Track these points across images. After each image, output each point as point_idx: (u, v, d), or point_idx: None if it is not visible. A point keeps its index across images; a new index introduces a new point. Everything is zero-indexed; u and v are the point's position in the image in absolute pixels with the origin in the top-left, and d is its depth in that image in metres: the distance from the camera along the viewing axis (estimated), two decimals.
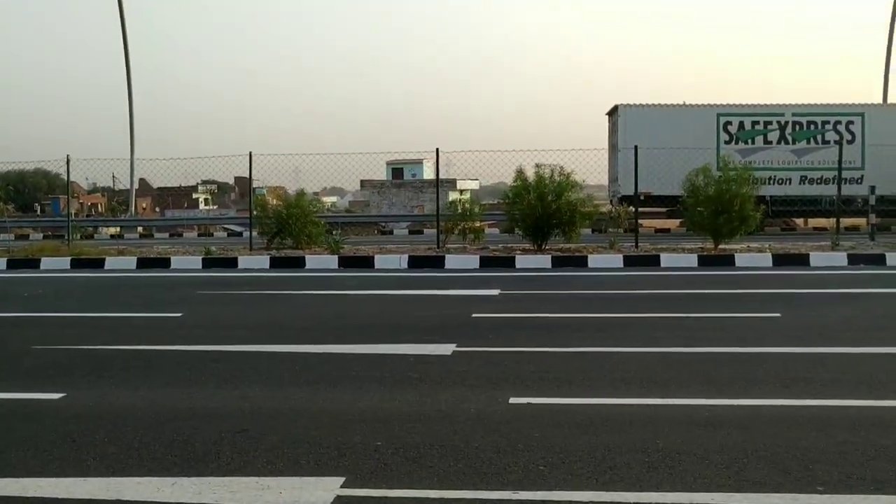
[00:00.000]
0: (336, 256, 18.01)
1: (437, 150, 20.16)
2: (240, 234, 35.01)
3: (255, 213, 21.90)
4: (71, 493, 4.58)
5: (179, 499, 4.49)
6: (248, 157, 21.21)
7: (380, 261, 17.57)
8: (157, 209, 61.49)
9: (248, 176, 22.52)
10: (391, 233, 35.29)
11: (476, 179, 42.51)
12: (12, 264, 18.52)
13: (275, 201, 22.71)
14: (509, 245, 20.04)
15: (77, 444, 5.45)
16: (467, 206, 21.08)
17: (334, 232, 21.51)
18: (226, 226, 39.85)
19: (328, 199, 45.37)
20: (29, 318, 11.25)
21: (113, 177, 51.28)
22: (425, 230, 35.28)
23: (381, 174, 54.53)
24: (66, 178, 35.37)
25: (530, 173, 19.25)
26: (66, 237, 25.89)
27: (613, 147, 30.20)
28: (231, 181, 76.05)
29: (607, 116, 32.20)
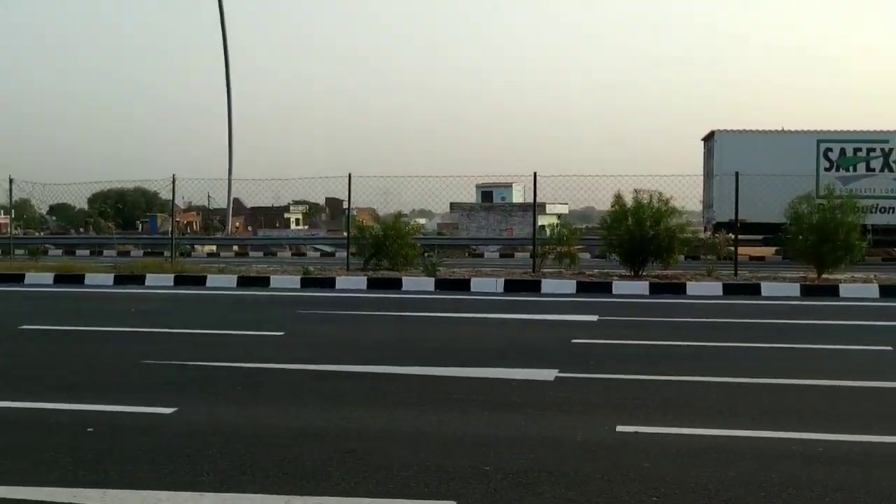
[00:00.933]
0: (432, 279, 18.09)
1: (535, 174, 20.13)
2: (332, 254, 35.47)
3: (352, 234, 22.11)
4: None
5: None
6: (342, 179, 21.51)
7: (476, 284, 17.58)
8: (250, 228, 62.61)
9: (338, 197, 22.85)
10: (482, 256, 35.30)
11: (565, 204, 42.34)
12: (119, 280, 19.06)
13: (366, 222, 22.94)
14: (605, 270, 19.87)
15: (191, 458, 5.56)
16: (563, 230, 20.93)
17: (429, 254, 21.62)
18: (317, 246, 40.37)
19: (417, 221, 45.55)
20: (137, 333, 11.54)
21: (208, 196, 52.46)
22: (516, 254, 35.23)
23: (470, 197, 54.67)
24: (163, 197, 36.27)
25: (627, 198, 19.07)
26: (168, 255, 26.58)
27: (709, 173, 29.75)
28: (321, 202, 77.02)
29: (703, 142, 31.77)
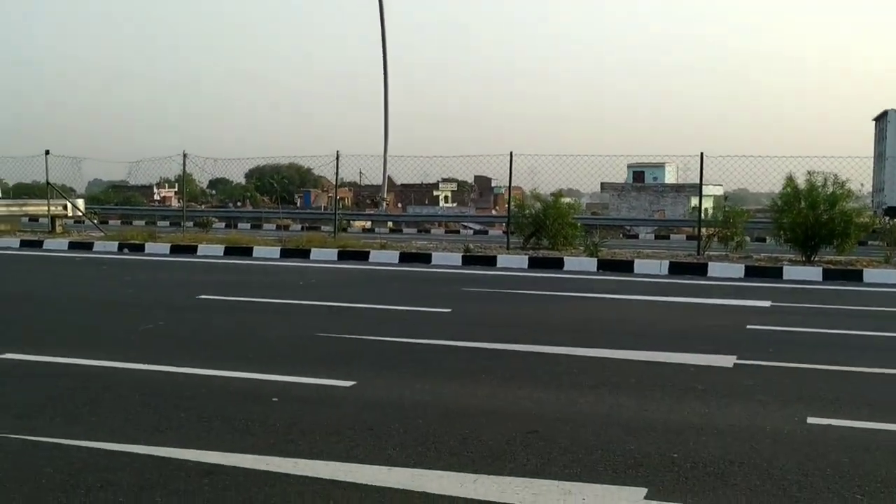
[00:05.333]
0: (595, 259, 17.86)
1: (702, 154, 19.57)
2: (484, 231, 35.57)
3: (512, 212, 22.04)
4: (379, 480, 4.70)
5: (483, 496, 4.51)
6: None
7: (639, 265, 17.25)
8: (400, 205, 63.36)
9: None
10: (636, 237, 34.73)
11: (720, 185, 41.16)
12: (285, 253, 19.59)
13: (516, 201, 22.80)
14: (773, 255, 19.18)
15: (375, 432, 5.61)
16: (730, 211, 20.27)
17: (592, 234, 21.38)
18: (465, 223, 40.54)
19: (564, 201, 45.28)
20: (307, 305, 11.81)
21: (360, 173, 53.34)
22: (671, 235, 34.49)
23: (621, 177, 53.78)
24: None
25: (800, 181, 18.30)
26: (327, 229, 27.22)
27: (880, 155, 28.33)
28: (469, 179, 77.25)
29: (874, 122, 30.25)
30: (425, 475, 4.80)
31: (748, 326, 10.19)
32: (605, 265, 17.50)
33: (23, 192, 33.71)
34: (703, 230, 20.47)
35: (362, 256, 19.10)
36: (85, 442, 5.33)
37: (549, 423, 5.88)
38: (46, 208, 25.07)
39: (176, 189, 62.01)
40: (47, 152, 24.82)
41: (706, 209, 23.39)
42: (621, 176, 54.14)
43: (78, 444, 5.30)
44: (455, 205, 71.82)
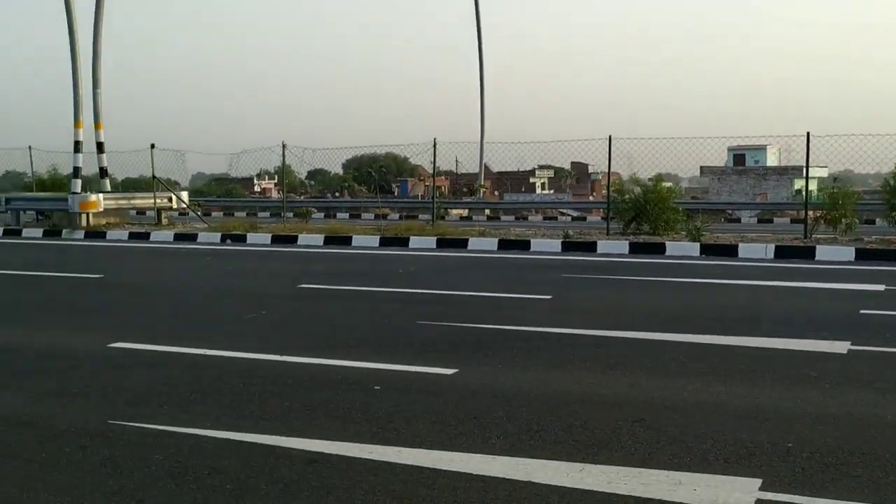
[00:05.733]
0: (697, 244, 17.49)
1: (808, 134, 18.92)
2: (582, 218, 35.26)
3: (612, 197, 21.74)
4: (482, 469, 4.64)
5: (590, 486, 4.40)
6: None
7: (743, 249, 16.83)
8: (497, 192, 63.09)
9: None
10: (738, 220, 33.93)
11: (824, 167, 39.90)
12: (384, 242, 19.71)
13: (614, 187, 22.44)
14: (886, 237, 18.50)
15: (479, 421, 5.55)
16: (838, 193, 19.58)
17: (694, 218, 20.95)
18: (563, 210, 40.21)
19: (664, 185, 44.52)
20: (407, 294, 11.82)
21: (456, 161, 53.31)
22: (775, 219, 33.61)
23: (721, 160, 52.51)
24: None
25: None
26: (426, 217, 27.31)
27: None
28: (566, 166, 76.48)
29: None
30: (530, 464, 4.72)
31: (862, 311, 9.82)
32: (708, 250, 17.12)
33: (131, 186, 34.58)
34: (811, 213, 19.84)
35: (461, 244, 19.08)
36: (193, 429, 5.40)
37: (656, 412, 5.73)
38: (153, 201, 25.70)
39: (276, 180, 62.99)
40: (153, 146, 25.46)
41: (811, 191, 22.63)
42: (721, 159, 52.89)
43: (186, 431, 5.38)
44: (552, 192, 71.23)
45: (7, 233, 23.77)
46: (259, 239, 20.86)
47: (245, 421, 5.60)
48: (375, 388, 6.44)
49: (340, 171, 73.50)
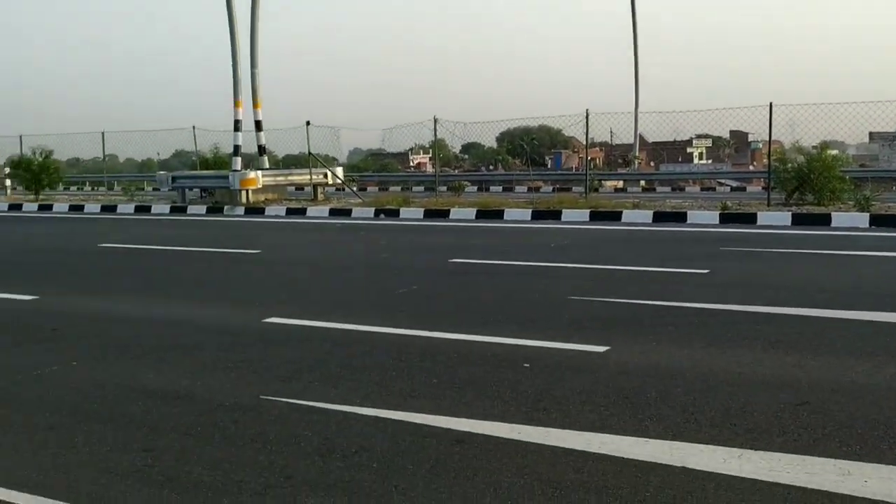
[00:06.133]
0: (866, 214, 16.59)
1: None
2: (742, 188, 34.07)
3: (773, 166, 20.87)
4: (635, 453, 4.46)
5: (750, 474, 4.17)
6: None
7: None
8: (652, 163, 61.72)
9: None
10: None
11: None
12: (536, 215, 19.52)
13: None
14: None
15: (630, 401, 5.36)
16: None
17: (862, 188, 19.91)
18: (721, 180, 38.91)
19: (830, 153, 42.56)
20: (558, 268, 11.63)
21: (610, 132, 52.40)
22: None
23: (891, 125, 49.70)
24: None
25: None
26: (579, 190, 26.95)
27: None
28: (725, 135, 74.07)
29: None
30: (685, 448, 4.51)
31: None
32: (878, 221, 16.21)
33: (291, 162, 35.48)
34: None
35: (615, 217, 18.71)
36: (341, 406, 5.42)
37: (821, 394, 5.40)
38: (309, 177, 26.26)
39: (430, 155, 63.58)
40: (308, 123, 26.00)
41: None
42: (893, 124, 50.22)
43: (335, 408, 5.40)
44: (710, 161, 69.22)
45: (174, 209, 24.75)
46: (412, 213, 21.02)
47: (393, 398, 5.58)
48: (524, 365, 6.32)
49: (494, 145, 73.47)
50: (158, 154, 44.88)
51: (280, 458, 4.58)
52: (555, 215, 19.36)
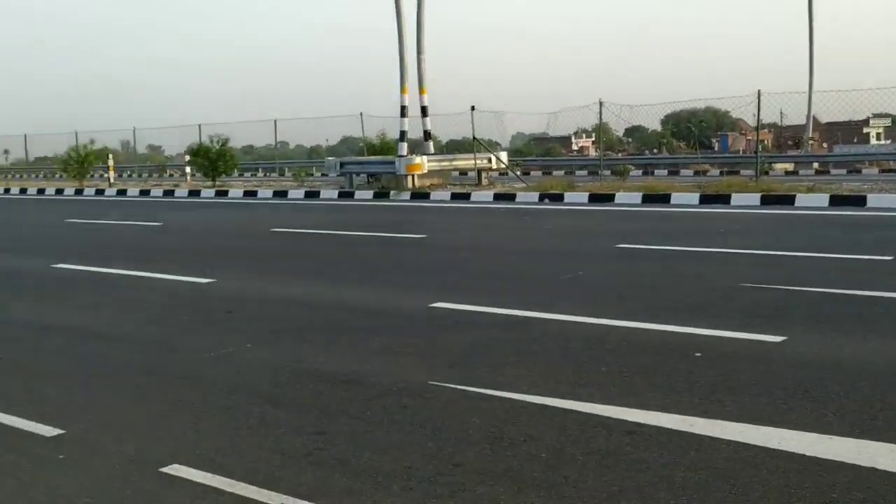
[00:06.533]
0: None
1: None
2: None
3: None
4: (817, 451, 4.24)
5: None
6: None
7: None
8: (825, 145, 59.05)
9: None
10: None
11: None
12: (704, 199, 18.97)
13: None
14: None
15: (811, 395, 5.11)
16: None
17: None
18: None
19: None
20: (730, 254, 11.24)
21: (780, 113, 50.32)
22: None
23: None
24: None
25: None
26: (749, 173, 26.08)
27: None
28: None
29: None
30: (873, 447, 4.26)
31: None
32: None
33: (454, 147, 35.80)
34: None
35: (787, 201, 17.98)
36: (509, 393, 5.38)
37: None
38: (473, 162, 26.38)
39: (593, 139, 62.90)
40: (473, 108, 26.11)
41: None
42: None
43: (502, 394, 5.36)
44: (888, 142, 65.71)
45: (342, 195, 25.32)
46: (576, 198, 20.80)
47: (561, 386, 5.50)
48: (696, 355, 6.13)
49: (658, 128, 71.99)
50: (327, 140, 46.11)
51: (448, 444, 4.57)
52: (724, 199, 18.76)
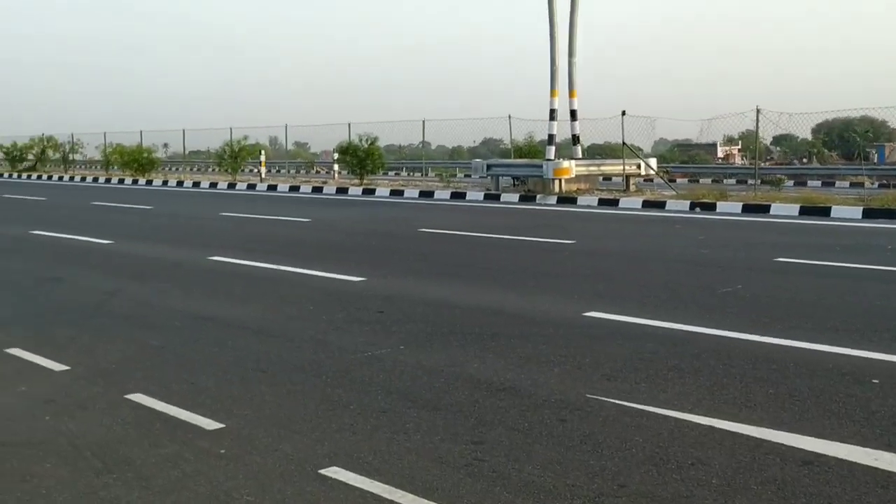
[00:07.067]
0: None
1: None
2: None
3: None
4: None
5: None
6: None
7: None
8: None
9: None
10: None
11: None
12: (868, 214, 18.07)
13: None
14: None
15: None
16: None
17: None
18: None
19: None
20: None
21: None
22: None
23: None
24: (891, 125, 33.45)
25: None
26: None
27: None
28: None
29: None
30: None
31: None
32: None
33: (595, 152, 35.31)
34: None
35: None
36: (671, 411, 5.16)
37: None
38: (621, 168, 25.91)
39: (738, 146, 61.17)
40: (623, 113, 25.64)
41: None
42: None
43: (664, 412, 5.15)
44: None
45: (487, 197, 25.26)
46: (729, 207, 20.14)
47: (727, 407, 5.25)
48: (874, 381, 5.75)
49: (809, 136, 69.45)
50: (475, 142, 46.17)
51: (611, 463, 4.40)
52: (890, 214, 17.83)
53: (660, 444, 4.63)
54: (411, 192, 27.43)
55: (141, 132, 45.23)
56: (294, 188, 31.09)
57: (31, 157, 50.91)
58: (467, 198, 25.57)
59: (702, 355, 6.54)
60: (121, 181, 38.87)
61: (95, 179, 41.33)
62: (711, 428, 4.87)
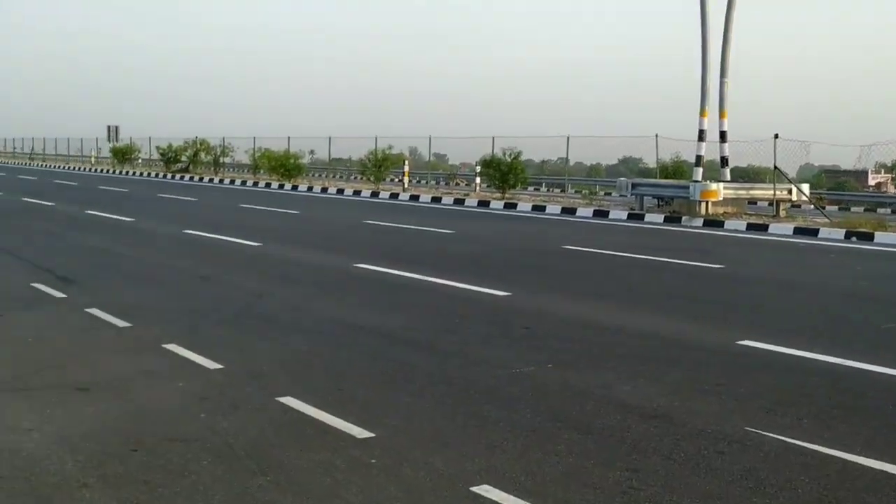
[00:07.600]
0: None
1: None
2: None
3: None
4: None
5: None
6: None
7: None
8: None
9: None
10: None
11: None
12: None
13: None
14: None
15: None
16: None
17: None
18: None
19: None
20: None
21: None
22: None
23: None
24: None
25: None
26: None
27: None
28: None
29: None
30: None
31: None
32: None
33: (738, 174, 34.27)
34: None
35: None
36: (839, 452, 4.89)
37: None
38: (771, 192, 25.09)
39: (893, 174, 58.61)
40: (776, 136, 24.83)
41: None
42: None
43: (831, 453, 4.89)
44: None
45: (631, 216, 24.83)
46: (888, 238, 19.20)
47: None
48: None
49: None
50: (615, 160, 45.57)
51: (776, 502, 4.18)
52: None
53: (828, 487, 4.38)
54: (553, 209, 27.22)
55: (288, 138, 46.29)
56: (436, 199, 31.30)
57: (184, 158, 52.78)
58: (610, 216, 25.20)
59: (867, 393, 6.21)
60: (267, 185, 39.92)
61: (244, 182, 42.63)
62: (885, 473, 4.58)
